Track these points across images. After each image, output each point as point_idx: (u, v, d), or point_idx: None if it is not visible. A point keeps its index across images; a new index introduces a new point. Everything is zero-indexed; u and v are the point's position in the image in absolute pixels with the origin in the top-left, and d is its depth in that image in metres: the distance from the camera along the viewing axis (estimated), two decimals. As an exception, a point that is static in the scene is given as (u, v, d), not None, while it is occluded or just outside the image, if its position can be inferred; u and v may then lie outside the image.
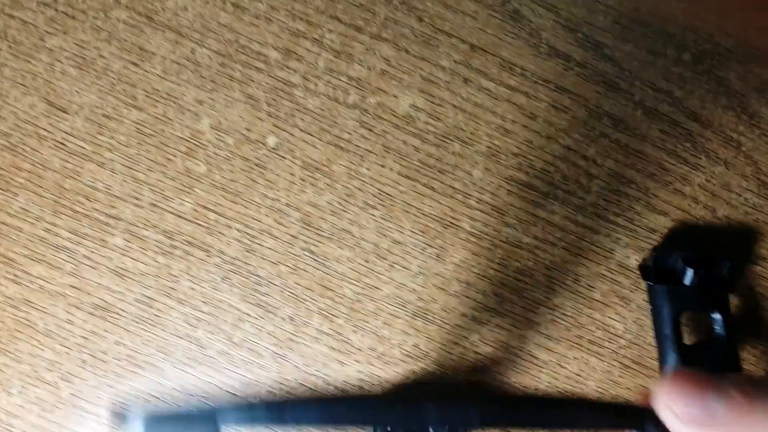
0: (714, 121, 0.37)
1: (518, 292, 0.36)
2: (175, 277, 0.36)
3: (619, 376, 0.37)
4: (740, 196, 0.37)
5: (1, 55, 0.36)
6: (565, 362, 0.37)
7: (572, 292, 0.37)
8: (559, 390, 0.37)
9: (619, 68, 0.36)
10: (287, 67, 0.36)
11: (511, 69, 0.36)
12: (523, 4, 0.36)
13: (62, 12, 0.36)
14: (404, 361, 0.36)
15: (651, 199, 0.37)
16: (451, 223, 0.36)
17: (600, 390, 0.37)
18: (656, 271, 0.36)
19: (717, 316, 0.35)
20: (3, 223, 0.36)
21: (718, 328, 0.35)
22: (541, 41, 0.36)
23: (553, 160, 0.36)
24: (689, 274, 0.35)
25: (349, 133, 0.36)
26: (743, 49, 0.36)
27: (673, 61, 0.37)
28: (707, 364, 0.34)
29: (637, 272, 0.36)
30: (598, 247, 0.37)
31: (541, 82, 0.36)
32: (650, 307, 0.36)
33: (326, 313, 0.36)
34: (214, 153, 0.36)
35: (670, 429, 0.28)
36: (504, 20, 0.36)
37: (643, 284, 0.36)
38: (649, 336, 0.37)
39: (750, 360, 0.37)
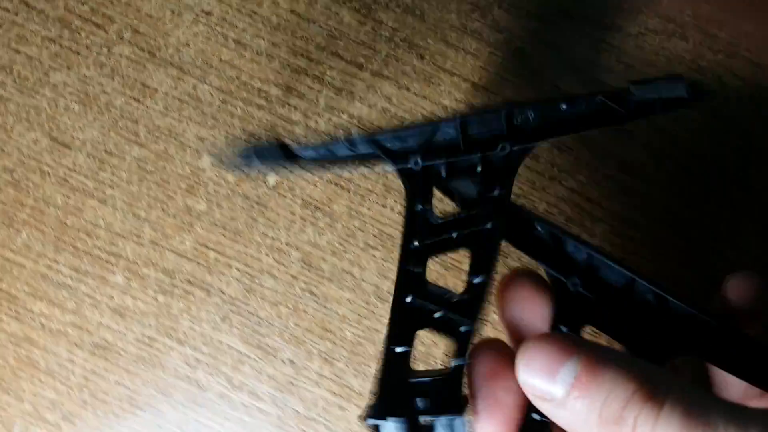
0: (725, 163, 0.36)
1: (520, 335, 0.36)
2: (176, 316, 0.36)
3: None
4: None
5: (7, 89, 0.37)
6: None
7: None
8: None
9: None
10: (288, 104, 0.36)
11: (515, 108, 0.36)
12: (526, 44, 0.36)
13: (66, 47, 0.36)
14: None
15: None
16: (453, 264, 0.36)
17: None
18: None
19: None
20: (6, 259, 0.37)
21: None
22: (544, 81, 0.36)
23: (556, 201, 0.36)
24: None
25: (350, 172, 0.36)
26: (752, 89, 0.36)
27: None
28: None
29: None
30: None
31: (545, 121, 0.36)
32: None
33: (327, 356, 0.36)
34: (215, 191, 0.36)
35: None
36: (506, 59, 0.36)
37: None
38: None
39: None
